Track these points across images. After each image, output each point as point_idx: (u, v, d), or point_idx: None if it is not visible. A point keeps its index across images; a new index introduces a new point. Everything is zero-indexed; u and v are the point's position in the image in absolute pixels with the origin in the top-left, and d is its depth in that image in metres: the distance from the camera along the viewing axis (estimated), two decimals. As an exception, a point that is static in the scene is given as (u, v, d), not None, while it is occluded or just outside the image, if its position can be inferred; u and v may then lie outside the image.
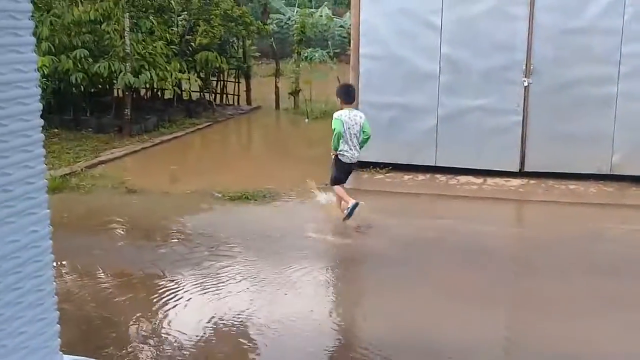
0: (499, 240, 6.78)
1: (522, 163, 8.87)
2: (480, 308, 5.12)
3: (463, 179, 8.78)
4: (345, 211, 6.92)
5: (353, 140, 7.02)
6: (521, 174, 8.85)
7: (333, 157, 7.15)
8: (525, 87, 8.74)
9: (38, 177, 2.86)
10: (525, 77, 8.72)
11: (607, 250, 6.53)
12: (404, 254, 6.22)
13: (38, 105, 2.87)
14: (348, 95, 7.21)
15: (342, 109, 7.12)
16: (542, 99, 8.74)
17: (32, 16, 2.81)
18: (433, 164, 9.06)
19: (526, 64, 8.69)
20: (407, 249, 6.36)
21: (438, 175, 8.93)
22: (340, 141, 6.97)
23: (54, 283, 2.87)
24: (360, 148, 7.16)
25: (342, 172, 7.15)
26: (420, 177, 8.93)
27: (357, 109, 7.57)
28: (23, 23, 2.78)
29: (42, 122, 2.86)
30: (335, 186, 7.17)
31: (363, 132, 7.10)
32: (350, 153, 7.05)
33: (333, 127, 6.99)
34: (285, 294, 5.28)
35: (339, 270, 5.96)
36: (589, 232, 6.98)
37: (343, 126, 6.93)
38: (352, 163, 7.16)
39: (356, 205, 6.87)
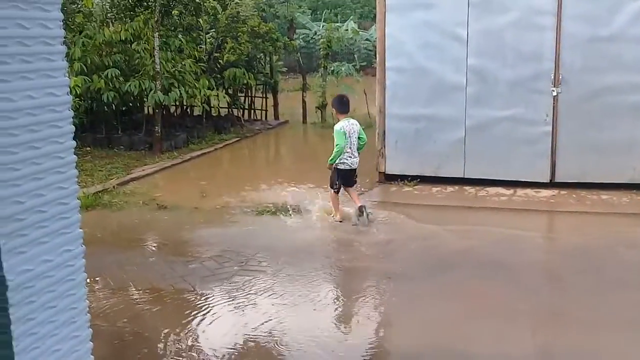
0: (529, 252, 6.70)
1: (553, 173, 8.77)
2: (512, 321, 5.06)
3: (492, 190, 8.72)
4: (332, 217, 7.60)
5: (352, 148, 7.50)
6: (552, 184, 8.75)
7: (330, 168, 7.56)
8: (554, 96, 8.66)
9: (71, 198, 2.93)
10: (554, 86, 8.64)
11: (641, 261, 6.41)
12: (433, 268, 6.18)
13: (71, 127, 2.95)
14: (343, 105, 7.67)
15: (338, 119, 7.60)
16: (571, 108, 8.65)
17: (64, 38, 2.90)
18: (461, 176, 9.01)
19: (554, 74, 8.62)
20: (436, 263, 6.32)
21: (467, 187, 8.88)
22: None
23: (87, 301, 2.94)
24: (358, 153, 7.62)
25: (342, 179, 7.56)
26: (449, 189, 8.88)
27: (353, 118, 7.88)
28: (55, 48, 2.87)
29: (74, 143, 2.94)
30: (332, 192, 7.63)
31: (359, 138, 7.54)
32: (350, 160, 7.51)
33: (337, 142, 7.38)
34: (314, 309, 5.29)
35: (367, 285, 5.94)
36: (622, 242, 6.85)
37: (345, 137, 7.35)
38: (351, 169, 7.57)
39: (339, 221, 7.52)
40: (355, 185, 7.83)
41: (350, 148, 7.46)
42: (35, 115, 2.69)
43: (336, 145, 7.39)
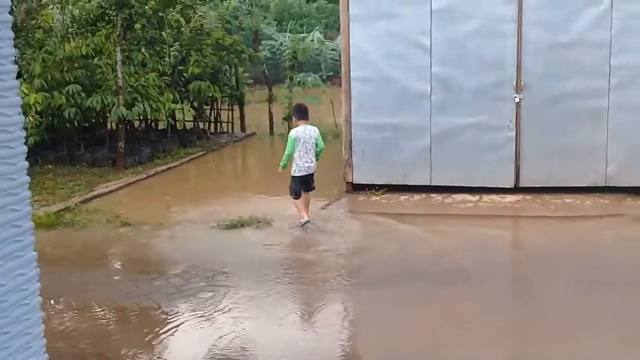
0: (496, 257, 6.74)
1: (517, 179, 8.86)
2: (480, 327, 5.07)
3: (459, 197, 8.77)
4: (300, 222, 7.70)
5: (309, 153, 7.73)
6: (516, 189, 8.84)
7: (280, 171, 7.85)
8: (516, 103, 8.77)
9: (24, 220, 2.84)
10: (517, 93, 8.75)
11: (605, 262, 6.50)
12: (400, 277, 6.17)
13: (23, 148, 2.87)
14: (301, 112, 7.99)
15: (297, 125, 7.88)
16: (534, 114, 8.77)
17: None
18: (428, 184, 9.04)
19: (517, 80, 8.73)
20: (402, 272, 6.31)
21: (434, 195, 8.92)
22: (295, 156, 7.67)
23: (43, 325, 2.84)
24: (316, 159, 7.84)
25: (299, 184, 7.78)
26: (416, 197, 8.91)
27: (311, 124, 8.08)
28: (6, 67, 2.79)
29: (27, 164, 2.86)
30: (294, 200, 7.84)
31: (316, 145, 7.77)
32: (305, 165, 7.73)
33: (287, 148, 7.69)
34: (280, 325, 5.22)
35: (334, 297, 5.90)
36: (586, 245, 6.95)
37: (297, 143, 7.63)
38: (308, 174, 7.80)
39: (306, 222, 7.66)
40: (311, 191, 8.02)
41: (306, 153, 7.70)
42: (-16, 136, 2.60)
43: (286, 150, 7.72)
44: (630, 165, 8.60)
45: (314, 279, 6.30)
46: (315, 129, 7.91)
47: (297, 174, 7.73)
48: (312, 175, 7.86)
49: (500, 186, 8.85)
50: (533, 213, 8.16)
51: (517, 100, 8.76)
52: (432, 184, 9.03)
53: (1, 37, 2.76)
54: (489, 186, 8.86)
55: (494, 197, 8.71)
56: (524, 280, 6.34)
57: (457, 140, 8.96)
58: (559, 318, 5.18)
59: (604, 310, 5.31)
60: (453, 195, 8.81)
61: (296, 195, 7.80)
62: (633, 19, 8.42)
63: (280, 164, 7.80)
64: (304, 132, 7.70)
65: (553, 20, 8.63)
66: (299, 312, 5.59)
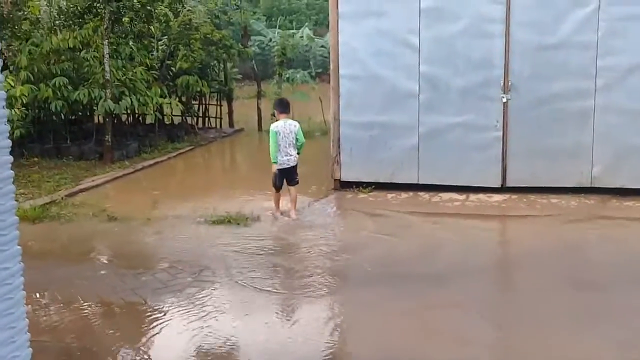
0: (483, 256, 6.78)
1: (504, 178, 8.92)
2: (465, 327, 5.10)
3: (446, 196, 8.81)
4: (272, 213, 8.10)
5: (288, 148, 7.93)
6: (503, 189, 8.90)
7: (274, 170, 7.97)
8: (504, 103, 8.82)
9: (8, 214, 2.82)
10: (504, 93, 8.80)
11: (589, 263, 6.55)
12: (386, 276, 6.19)
13: (7, 142, 2.84)
14: (282, 107, 8.18)
15: (278, 119, 8.05)
16: (521, 114, 8.82)
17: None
18: (416, 182, 9.08)
19: (504, 81, 8.78)
20: (387, 271, 6.32)
21: (421, 193, 8.96)
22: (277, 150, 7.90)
23: (26, 320, 2.83)
24: (298, 153, 8.05)
25: (280, 177, 8.00)
26: (404, 195, 8.94)
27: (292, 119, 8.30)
28: (-9, 59, 2.76)
29: (11, 158, 2.83)
30: (275, 191, 8.10)
31: (296, 139, 7.97)
32: (285, 159, 7.93)
33: (270, 141, 7.90)
34: (266, 323, 5.21)
35: (321, 294, 5.90)
36: (571, 245, 7.00)
37: (277, 137, 7.82)
38: (289, 167, 7.99)
39: (275, 218, 8.02)
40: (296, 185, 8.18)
41: (286, 147, 7.89)
42: (-31, 129, 2.58)
43: (270, 144, 7.90)
44: (615, 167, 8.68)
45: (301, 276, 6.31)
46: (296, 123, 8.08)
47: (278, 167, 7.94)
48: (294, 168, 8.03)
49: (487, 185, 8.90)
50: (519, 212, 8.21)
51: (504, 100, 8.80)
52: (420, 182, 9.07)
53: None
54: (475, 185, 8.91)
55: (480, 196, 8.75)
56: (510, 279, 6.38)
57: (445, 140, 9.00)
58: (545, 317, 5.22)
59: (589, 310, 5.35)
60: (440, 194, 8.85)
61: (276, 188, 8.03)
62: (619, 21, 8.48)
63: (272, 160, 7.92)
64: (284, 127, 7.90)
65: (541, 21, 8.68)
66: (284, 310, 5.59)
